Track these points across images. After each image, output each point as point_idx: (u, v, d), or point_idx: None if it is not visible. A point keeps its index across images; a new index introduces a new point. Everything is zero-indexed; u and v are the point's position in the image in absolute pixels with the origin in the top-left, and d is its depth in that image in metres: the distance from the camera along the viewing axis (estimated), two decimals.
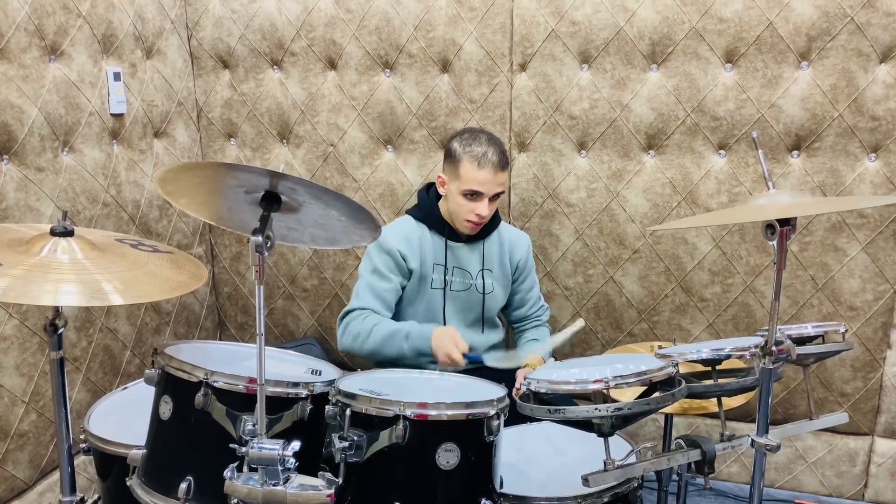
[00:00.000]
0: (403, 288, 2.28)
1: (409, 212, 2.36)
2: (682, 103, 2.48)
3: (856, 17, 2.28)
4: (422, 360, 2.11)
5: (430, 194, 2.35)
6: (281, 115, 2.88)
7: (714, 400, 1.54)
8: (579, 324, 2.13)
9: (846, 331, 1.54)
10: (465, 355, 2.02)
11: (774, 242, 1.16)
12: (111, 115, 2.55)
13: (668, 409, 1.73)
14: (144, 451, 1.46)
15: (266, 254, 1.21)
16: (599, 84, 2.55)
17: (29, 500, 2.27)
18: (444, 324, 2.29)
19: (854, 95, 2.33)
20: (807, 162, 2.43)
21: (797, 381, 2.60)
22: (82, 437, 1.72)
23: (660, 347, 2.28)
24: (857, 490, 2.65)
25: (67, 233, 1.42)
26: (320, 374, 1.55)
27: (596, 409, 1.26)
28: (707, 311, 2.62)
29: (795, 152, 2.44)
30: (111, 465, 1.66)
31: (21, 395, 2.20)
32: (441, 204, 2.31)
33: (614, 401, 1.30)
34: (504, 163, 2.18)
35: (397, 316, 2.30)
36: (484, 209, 2.18)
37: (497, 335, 2.42)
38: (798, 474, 2.70)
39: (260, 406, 1.22)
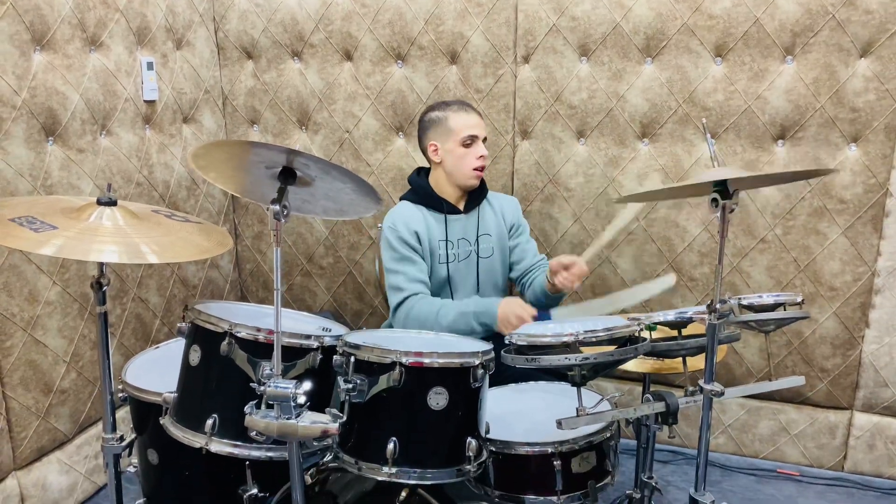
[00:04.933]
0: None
1: (404, 197, 2.50)
2: (675, 94, 2.65)
3: (837, 15, 2.43)
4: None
5: (421, 177, 2.52)
6: (300, 103, 3.08)
7: (681, 360, 1.72)
8: (670, 280, 2.33)
9: (803, 300, 1.70)
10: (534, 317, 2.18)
11: (718, 214, 1.34)
12: (144, 101, 2.77)
13: (639, 368, 1.92)
14: (175, 394, 1.67)
15: (283, 220, 1.40)
16: (597, 76, 2.72)
17: (69, 452, 2.50)
18: (451, 293, 2.47)
19: (835, 88, 2.48)
20: (791, 150, 2.59)
21: (780, 358, 2.76)
22: (120, 387, 1.94)
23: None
24: (837, 461, 2.81)
25: (111, 203, 1.63)
26: (331, 331, 1.75)
27: (566, 358, 1.45)
28: (696, 290, 2.79)
29: (780, 141, 2.59)
30: (148, 411, 1.87)
31: (63, 354, 2.43)
32: (433, 181, 2.47)
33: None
34: (476, 110, 2.43)
35: None
36: (484, 150, 2.38)
37: (496, 295, 2.54)
38: (781, 446, 2.87)
39: (276, 351, 1.42)
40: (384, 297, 2.52)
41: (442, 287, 2.48)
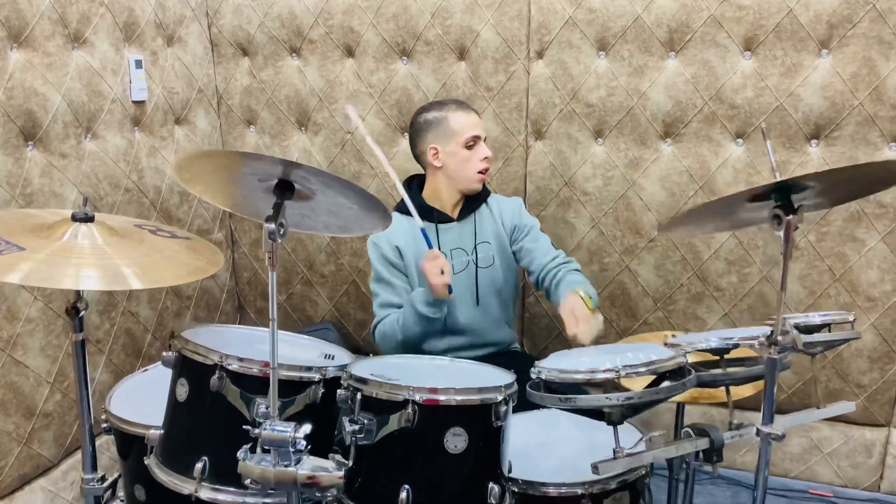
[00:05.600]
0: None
1: (396, 209, 2.35)
2: (700, 91, 2.47)
3: (878, 5, 2.25)
4: (440, 317, 2.17)
5: (412, 186, 2.36)
6: (299, 102, 2.91)
7: (723, 388, 1.54)
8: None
9: (854, 319, 1.53)
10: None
11: (781, 233, 1.17)
12: (133, 102, 2.59)
13: (677, 398, 1.74)
14: (162, 431, 1.50)
15: (279, 241, 1.23)
16: (617, 72, 2.54)
17: (54, 479, 2.33)
18: (449, 305, 2.30)
19: (875, 84, 2.31)
20: (825, 151, 2.41)
21: (811, 373, 2.59)
22: (104, 417, 1.77)
23: (672, 336, 2.30)
24: (873, 481, 2.64)
25: (88, 218, 1.45)
26: (333, 359, 1.58)
27: (606, 397, 1.27)
28: (723, 301, 2.62)
29: (814, 141, 2.42)
30: (131, 444, 1.71)
31: (46, 375, 2.26)
32: (430, 188, 2.32)
33: (625, 389, 1.32)
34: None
35: None
36: (488, 150, 2.26)
37: (501, 308, 2.39)
38: (813, 465, 2.70)
39: (273, 389, 1.25)
40: None
41: (441, 302, 2.32)
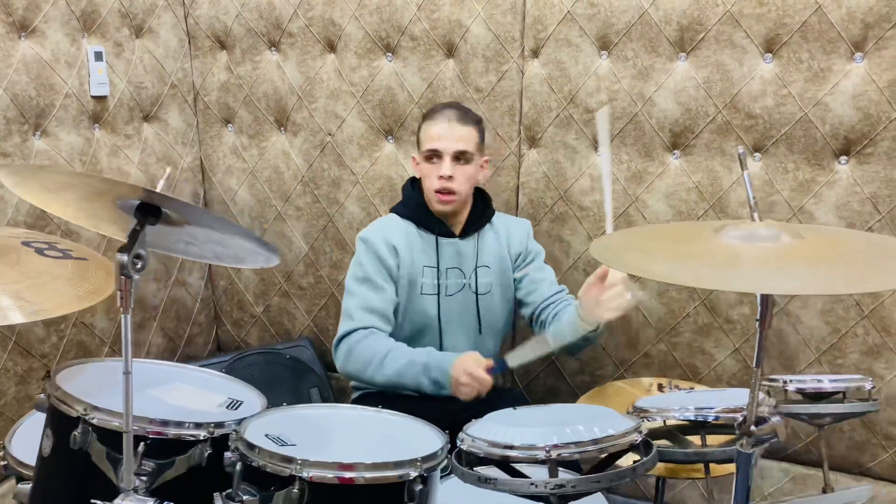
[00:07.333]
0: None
1: (393, 209, 2.15)
2: (713, 98, 2.17)
3: None
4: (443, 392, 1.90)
5: (415, 188, 2.12)
6: (278, 100, 2.69)
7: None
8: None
9: (874, 387, 1.24)
10: (490, 370, 1.82)
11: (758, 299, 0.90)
12: (92, 97, 2.40)
13: (653, 472, 1.47)
14: (30, 487, 1.29)
15: (136, 277, 1.00)
16: (619, 74, 2.26)
17: None
18: (440, 333, 2.07)
19: None
20: (856, 169, 2.10)
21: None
22: (0, 454, 1.57)
23: (659, 387, 2.02)
24: None
25: None
26: (238, 407, 1.34)
27: (532, 484, 1.02)
28: (733, 335, 2.32)
29: (844, 158, 2.10)
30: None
31: None
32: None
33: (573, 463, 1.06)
34: (464, 118, 2.02)
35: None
36: (446, 169, 1.97)
37: (495, 341, 2.19)
38: None
39: (127, 454, 1.03)
40: None
41: (428, 328, 2.08)
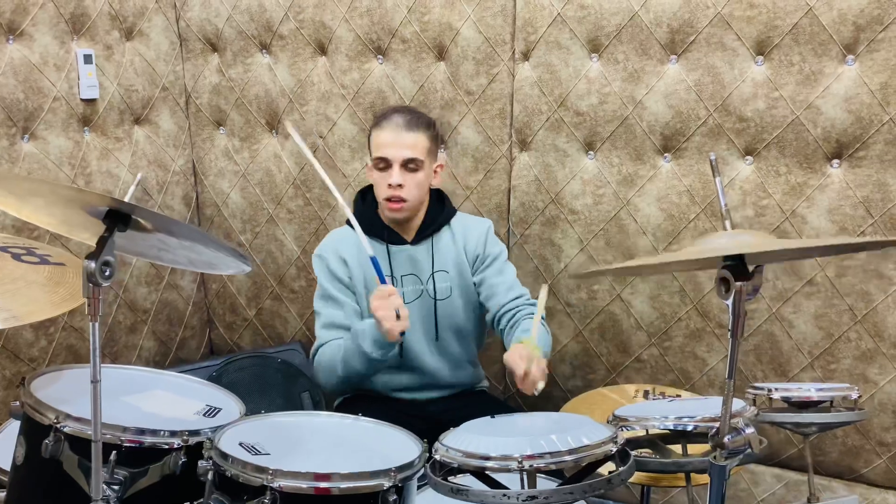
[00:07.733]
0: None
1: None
2: (704, 101, 2.16)
3: None
4: (387, 359, 1.91)
5: (366, 200, 2.11)
6: (269, 102, 2.68)
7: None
8: (544, 291, 1.83)
9: (860, 396, 1.22)
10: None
11: (729, 301, 0.88)
12: (81, 100, 2.40)
13: (634, 480, 1.45)
14: (3, 495, 1.28)
15: (104, 285, 0.98)
16: (610, 77, 2.24)
17: None
18: (402, 343, 2.04)
19: None
20: (849, 173, 2.08)
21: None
22: None
23: (645, 394, 2.01)
24: None
25: None
26: (215, 415, 1.33)
27: (505, 495, 1.01)
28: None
29: (836, 161, 2.09)
30: None
31: None
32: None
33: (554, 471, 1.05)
34: (414, 124, 2.00)
35: None
36: (395, 177, 1.96)
37: (461, 346, 2.15)
38: None
39: (95, 463, 1.02)
40: None
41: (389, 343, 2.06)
